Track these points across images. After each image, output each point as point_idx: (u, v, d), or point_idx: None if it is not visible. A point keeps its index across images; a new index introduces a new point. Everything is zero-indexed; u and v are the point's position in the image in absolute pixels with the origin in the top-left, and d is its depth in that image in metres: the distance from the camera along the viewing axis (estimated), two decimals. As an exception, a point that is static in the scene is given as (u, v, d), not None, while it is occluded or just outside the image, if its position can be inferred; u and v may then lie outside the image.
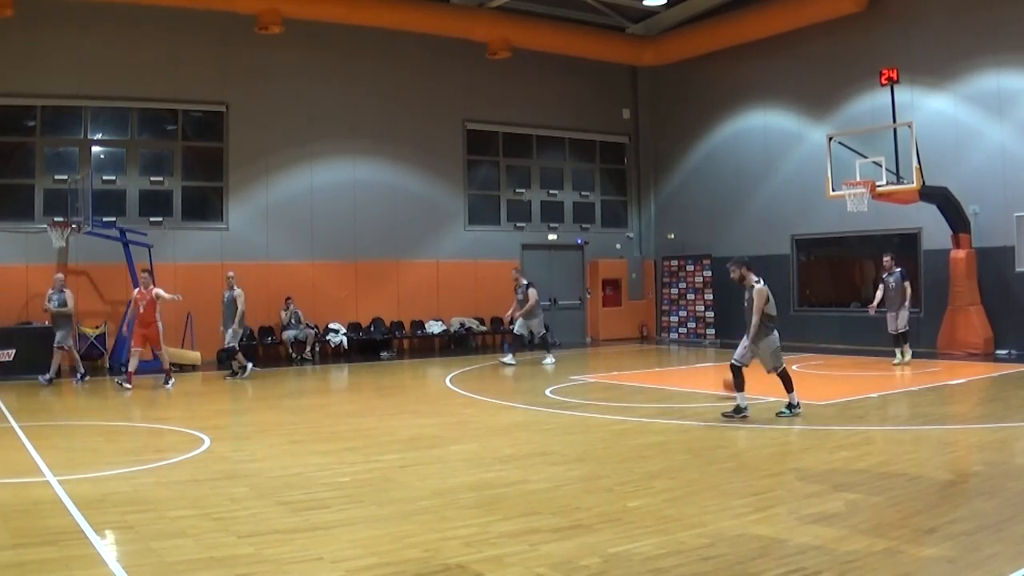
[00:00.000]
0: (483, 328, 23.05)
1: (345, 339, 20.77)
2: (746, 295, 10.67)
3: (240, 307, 16.38)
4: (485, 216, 23.95)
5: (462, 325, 22.54)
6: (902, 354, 16.46)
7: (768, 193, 22.76)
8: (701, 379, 16.44)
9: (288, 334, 19.88)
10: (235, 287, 16.52)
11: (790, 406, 10.52)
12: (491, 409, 12.20)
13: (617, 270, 25.42)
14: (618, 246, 25.96)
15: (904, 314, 16.31)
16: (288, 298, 19.98)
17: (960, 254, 17.99)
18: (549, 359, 18.56)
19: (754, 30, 21.88)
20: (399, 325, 21.93)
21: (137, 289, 15.75)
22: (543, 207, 24.96)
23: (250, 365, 16.86)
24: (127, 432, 10.95)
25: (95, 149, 19.39)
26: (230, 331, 16.43)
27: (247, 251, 20.13)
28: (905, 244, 20.14)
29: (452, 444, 9.38)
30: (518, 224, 24.37)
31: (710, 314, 23.89)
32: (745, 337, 10.55)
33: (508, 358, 18.38)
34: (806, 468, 7.73)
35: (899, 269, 16.40)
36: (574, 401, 12.62)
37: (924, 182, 16.86)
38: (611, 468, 7.98)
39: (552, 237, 24.82)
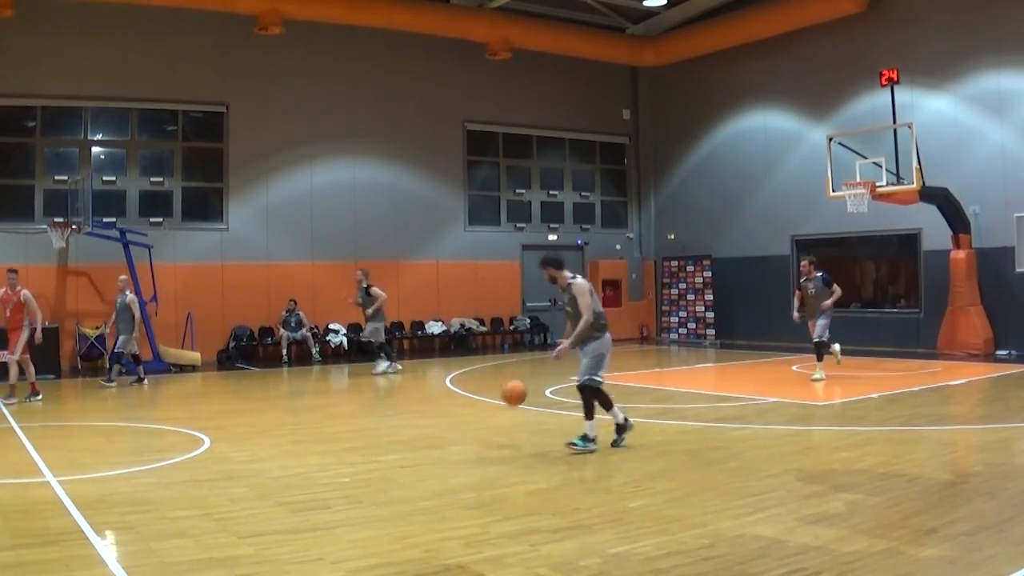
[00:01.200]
0: (483, 328, 23.05)
1: (345, 339, 20.77)
2: (565, 297, 8.92)
3: (136, 314, 15.28)
4: (485, 216, 23.95)
5: (462, 326, 22.54)
6: (826, 364, 14.55)
7: (768, 193, 22.76)
8: (701, 380, 16.45)
9: (287, 335, 19.80)
10: (127, 292, 15.51)
11: (585, 438, 8.64)
12: (491, 409, 12.19)
13: (617, 271, 25.41)
14: (618, 247, 25.95)
15: (823, 322, 14.33)
16: (292, 300, 19.96)
17: (960, 254, 17.99)
18: (383, 367, 17.00)
19: (754, 30, 21.89)
20: (399, 325, 21.92)
21: (3, 290, 13.63)
22: (543, 207, 24.96)
23: (144, 379, 15.59)
24: (127, 432, 10.94)
25: (95, 149, 19.40)
26: (123, 338, 15.30)
27: (247, 251, 20.14)
28: (905, 244, 20.16)
29: (452, 444, 9.38)
30: (518, 225, 24.38)
31: (710, 315, 23.88)
32: (580, 348, 8.79)
33: (383, 366, 17.00)
34: (806, 468, 7.73)
35: (820, 274, 14.56)
36: (574, 401, 12.59)
37: (924, 182, 16.86)
38: (611, 468, 7.98)
39: (552, 238, 24.81)
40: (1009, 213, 17.67)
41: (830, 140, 18.23)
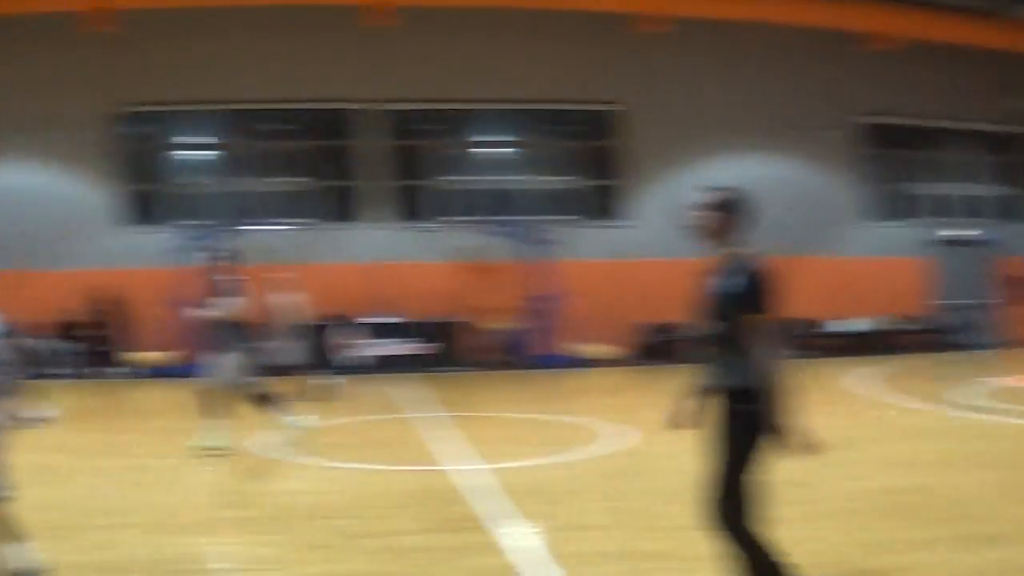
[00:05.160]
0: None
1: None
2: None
3: None
4: (889, 211, 22.36)
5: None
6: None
7: None
8: None
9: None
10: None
11: None
12: (904, 412, 11.24)
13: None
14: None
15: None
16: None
17: None
18: None
19: None
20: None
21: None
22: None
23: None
24: (536, 424, 11.05)
25: (490, 151, 21.22)
26: None
27: (653, 248, 19.82)
28: None
29: (872, 446, 8.45)
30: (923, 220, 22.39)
31: None
32: None
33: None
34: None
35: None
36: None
37: None
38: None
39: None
40: None
41: None
